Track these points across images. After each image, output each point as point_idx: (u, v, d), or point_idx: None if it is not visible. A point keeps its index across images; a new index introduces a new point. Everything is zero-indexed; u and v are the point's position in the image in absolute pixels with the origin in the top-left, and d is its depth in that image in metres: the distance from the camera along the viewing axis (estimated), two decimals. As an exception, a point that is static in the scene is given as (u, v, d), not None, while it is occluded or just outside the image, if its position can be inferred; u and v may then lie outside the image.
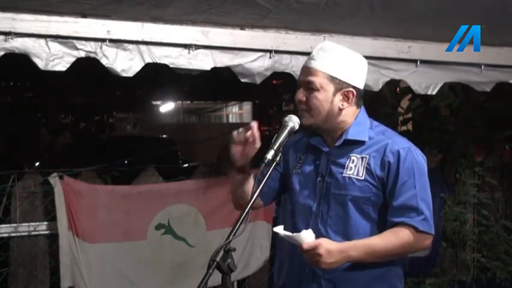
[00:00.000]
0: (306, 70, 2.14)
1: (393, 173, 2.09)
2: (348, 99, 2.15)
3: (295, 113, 2.17)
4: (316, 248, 1.97)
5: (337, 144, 2.17)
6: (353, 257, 2.03)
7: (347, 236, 2.09)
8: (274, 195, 2.36)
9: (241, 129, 2.11)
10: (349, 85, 2.14)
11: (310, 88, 2.12)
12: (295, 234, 2.01)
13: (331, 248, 1.99)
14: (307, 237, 1.99)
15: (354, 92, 2.15)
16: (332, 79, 2.12)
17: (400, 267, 2.20)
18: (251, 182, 2.18)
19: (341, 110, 2.15)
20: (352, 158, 2.14)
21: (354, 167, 2.12)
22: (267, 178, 2.00)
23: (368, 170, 2.10)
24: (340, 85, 2.13)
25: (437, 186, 4.58)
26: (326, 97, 2.12)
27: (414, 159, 2.12)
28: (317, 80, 2.11)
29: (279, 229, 2.04)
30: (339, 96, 2.14)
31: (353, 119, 2.18)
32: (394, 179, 2.09)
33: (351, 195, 2.10)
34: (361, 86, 2.19)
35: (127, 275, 3.89)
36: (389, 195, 2.10)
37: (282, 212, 2.42)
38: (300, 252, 2.01)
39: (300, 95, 2.13)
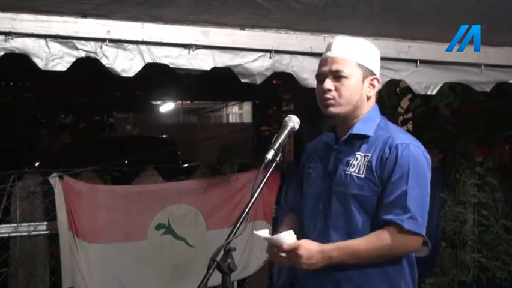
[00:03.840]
0: (330, 60, 2.14)
1: (388, 169, 2.07)
2: (374, 87, 2.18)
3: (295, 113, 2.17)
4: (296, 248, 1.98)
5: (342, 139, 2.18)
6: (334, 258, 2.02)
7: (348, 234, 2.08)
8: None
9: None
10: (373, 73, 2.18)
11: (339, 76, 2.11)
12: (275, 236, 2.02)
13: (311, 249, 2.00)
14: (287, 238, 2.00)
15: (380, 80, 2.20)
16: (360, 66, 2.14)
17: (407, 266, 2.14)
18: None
19: (368, 98, 2.18)
20: (357, 156, 2.13)
21: (357, 165, 2.12)
22: (267, 178, 2.00)
23: (369, 168, 2.09)
24: (366, 72, 2.16)
25: (437, 186, 4.58)
26: (356, 84, 2.14)
27: (412, 155, 2.07)
28: (346, 68, 2.12)
29: (262, 232, 2.05)
30: (366, 84, 2.16)
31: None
32: (389, 175, 2.06)
33: (352, 193, 2.10)
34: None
35: (127, 275, 3.89)
36: (383, 192, 2.07)
37: (283, 211, 2.43)
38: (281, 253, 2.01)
39: (328, 84, 2.12)
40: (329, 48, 2.18)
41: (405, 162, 2.06)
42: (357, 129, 2.15)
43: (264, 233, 2.07)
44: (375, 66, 2.20)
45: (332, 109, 2.13)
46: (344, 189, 2.11)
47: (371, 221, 2.08)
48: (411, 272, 2.16)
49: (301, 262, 1.99)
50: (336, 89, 2.12)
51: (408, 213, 2.02)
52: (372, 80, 2.17)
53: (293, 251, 1.98)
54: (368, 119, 2.17)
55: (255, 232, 2.07)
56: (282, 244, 1.99)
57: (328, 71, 2.13)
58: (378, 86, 2.20)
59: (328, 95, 2.12)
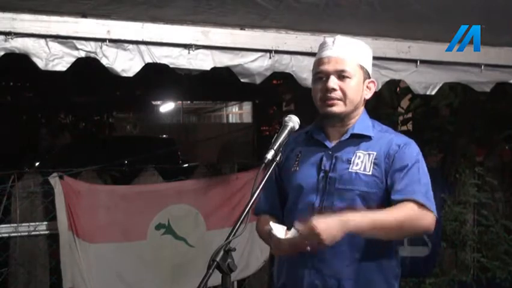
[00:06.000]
0: (334, 60, 2.14)
1: (398, 160, 2.12)
2: (370, 90, 2.22)
3: (295, 113, 2.17)
4: (312, 229, 1.91)
5: (343, 138, 2.18)
6: (353, 225, 1.96)
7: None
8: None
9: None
10: (370, 76, 2.23)
11: (344, 76, 2.13)
12: (288, 233, 1.97)
13: (327, 221, 1.93)
14: (297, 227, 1.95)
15: (375, 83, 2.24)
16: (361, 67, 2.17)
17: (398, 267, 2.20)
18: None
19: (365, 100, 2.22)
20: (358, 154, 2.15)
21: (361, 163, 2.13)
22: (268, 179, 1.98)
23: (376, 165, 2.12)
24: (366, 75, 2.20)
25: (437, 186, 4.56)
26: (358, 85, 2.17)
27: (416, 150, 2.17)
28: (350, 68, 2.14)
29: (278, 231, 2.00)
30: (364, 86, 2.20)
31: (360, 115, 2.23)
32: (397, 165, 2.11)
33: (359, 191, 2.10)
34: None
35: (127, 275, 3.90)
36: (392, 181, 2.10)
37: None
38: (303, 242, 1.95)
39: (332, 83, 2.12)
40: (328, 46, 2.17)
41: (413, 154, 2.15)
42: (359, 129, 2.19)
43: (279, 231, 2.00)
44: (370, 69, 2.25)
45: (335, 108, 2.14)
46: (350, 187, 2.11)
47: None
48: (399, 272, 2.21)
49: (323, 239, 1.91)
50: (341, 89, 2.13)
51: (423, 191, 2.08)
52: (369, 82, 2.22)
53: (311, 232, 1.91)
54: (364, 120, 2.23)
55: (271, 223, 2.01)
56: (298, 233, 1.93)
57: (333, 71, 2.13)
58: (373, 89, 2.24)
59: (333, 94, 2.13)
